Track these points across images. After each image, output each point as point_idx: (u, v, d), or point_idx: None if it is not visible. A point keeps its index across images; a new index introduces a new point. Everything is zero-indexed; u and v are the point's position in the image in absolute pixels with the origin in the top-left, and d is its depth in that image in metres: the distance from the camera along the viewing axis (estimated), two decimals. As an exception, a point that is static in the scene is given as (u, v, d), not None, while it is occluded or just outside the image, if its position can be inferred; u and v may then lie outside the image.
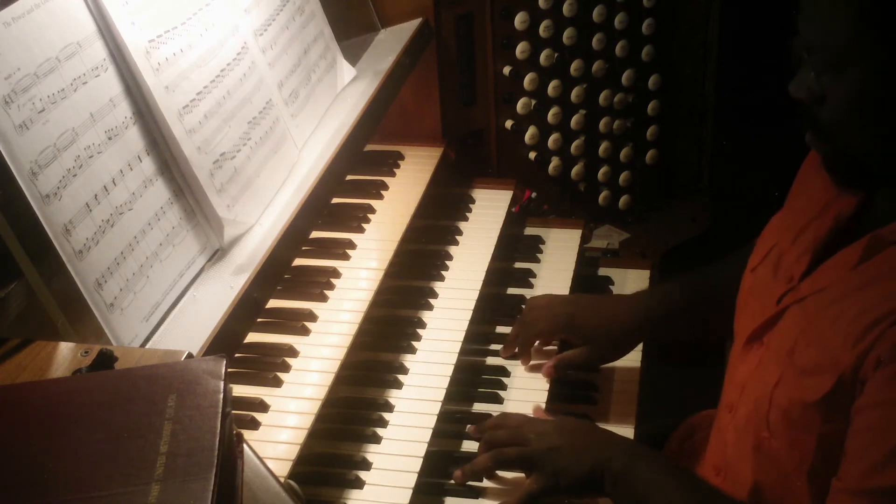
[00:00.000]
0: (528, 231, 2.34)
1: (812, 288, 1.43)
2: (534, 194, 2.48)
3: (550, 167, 2.51)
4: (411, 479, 1.56)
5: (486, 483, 1.64)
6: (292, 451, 1.44)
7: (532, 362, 1.93)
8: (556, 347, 1.95)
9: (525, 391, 1.88)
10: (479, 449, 1.64)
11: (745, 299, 1.63)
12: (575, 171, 2.56)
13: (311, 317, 1.69)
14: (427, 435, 1.64)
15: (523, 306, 2.08)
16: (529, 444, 1.58)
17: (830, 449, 1.32)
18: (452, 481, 1.64)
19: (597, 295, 2.15)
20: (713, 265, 1.92)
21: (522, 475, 1.61)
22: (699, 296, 1.89)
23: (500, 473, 1.64)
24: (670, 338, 2.01)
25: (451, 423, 1.77)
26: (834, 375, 1.31)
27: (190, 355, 1.22)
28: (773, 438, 1.42)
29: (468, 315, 1.91)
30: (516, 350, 1.93)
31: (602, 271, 2.33)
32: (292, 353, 1.61)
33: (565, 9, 2.36)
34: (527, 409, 1.82)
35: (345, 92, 2.08)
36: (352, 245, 1.88)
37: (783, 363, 1.41)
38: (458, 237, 2.15)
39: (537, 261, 2.23)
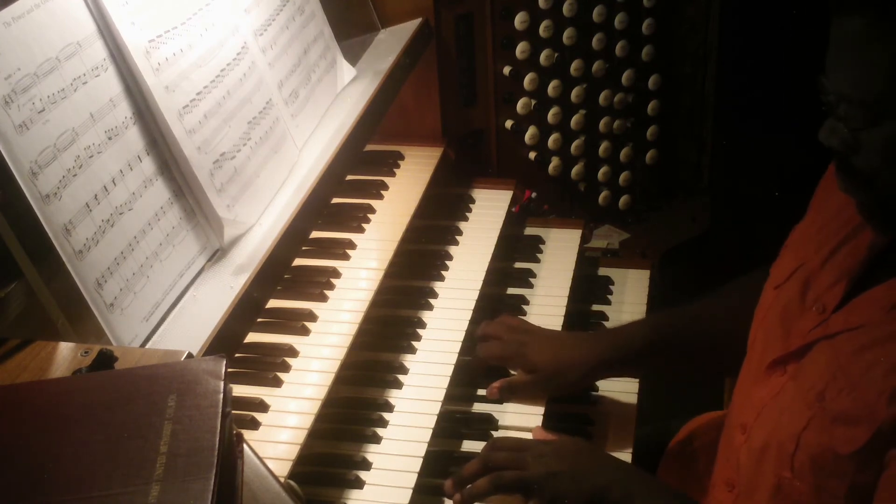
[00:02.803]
0: (528, 231, 2.34)
1: (844, 324, 1.37)
2: (534, 194, 2.48)
3: (550, 167, 2.51)
4: (411, 479, 1.56)
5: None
6: (292, 451, 1.44)
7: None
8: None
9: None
10: (473, 467, 1.59)
11: (766, 317, 1.57)
12: (575, 171, 2.56)
13: (311, 317, 1.69)
14: (427, 435, 1.64)
15: (524, 306, 2.08)
16: (528, 468, 1.56)
17: (864, 497, 1.29)
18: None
19: (560, 331, 2.02)
20: (698, 304, 1.86)
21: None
22: (669, 340, 1.82)
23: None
24: (649, 376, 1.94)
25: (451, 423, 1.77)
26: (870, 429, 1.27)
27: (190, 355, 1.22)
28: (796, 480, 1.38)
29: (468, 315, 1.91)
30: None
31: (602, 271, 2.33)
32: (292, 353, 1.61)
33: (565, 9, 2.36)
34: (527, 410, 1.83)
35: (345, 92, 2.08)
36: (352, 245, 1.88)
37: (812, 406, 1.36)
38: (458, 237, 2.15)
39: (537, 261, 2.23)
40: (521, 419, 1.81)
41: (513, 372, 1.88)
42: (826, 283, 1.45)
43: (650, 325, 1.87)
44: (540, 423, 1.80)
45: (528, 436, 1.76)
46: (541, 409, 1.83)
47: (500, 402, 1.83)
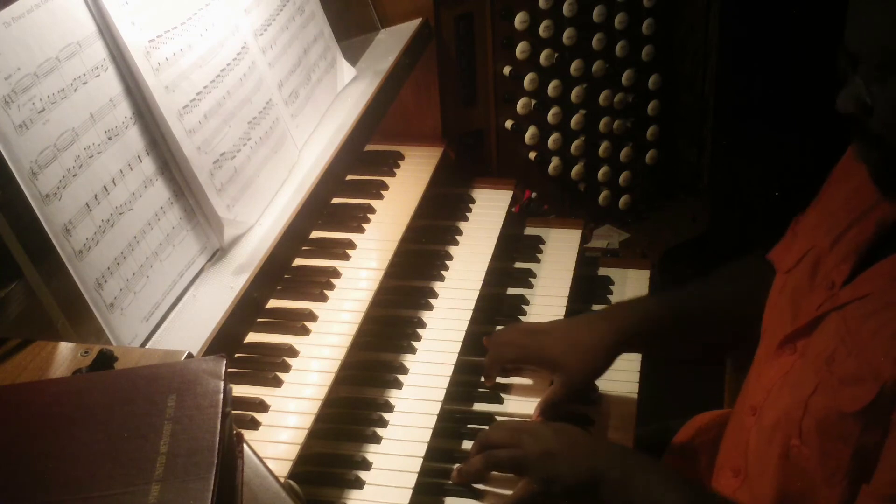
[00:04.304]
0: (528, 231, 2.34)
1: (852, 295, 1.39)
2: (534, 194, 2.48)
3: (550, 167, 2.51)
4: (411, 479, 1.56)
5: (486, 483, 1.64)
6: (292, 451, 1.44)
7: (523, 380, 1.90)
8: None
9: (526, 391, 1.88)
10: (473, 449, 1.63)
11: (776, 301, 1.60)
12: (575, 171, 2.56)
13: (311, 317, 1.69)
14: (427, 435, 1.64)
15: (524, 306, 2.08)
16: (523, 447, 1.56)
17: (867, 460, 1.30)
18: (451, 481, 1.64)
19: (566, 319, 2.02)
20: (699, 282, 1.86)
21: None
22: (680, 315, 1.83)
23: (503, 475, 1.64)
24: (652, 354, 1.94)
25: (451, 423, 1.77)
26: (875, 387, 1.29)
27: (190, 355, 1.22)
28: (804, 446, 1.40)
29: (468, 315, 1.91)
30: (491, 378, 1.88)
31: (602, 271, 2.33)
32: (292, 353, 1.61)
33: (565, 9, 2.36)
34: (527, 410, 1.82)
35: (345, 92, 2.08)
36: (352, 245, 1.88)
37: (820, 371, 1.38)
38: (458, 237, 2.15)
39: (537, 261, 2.23)
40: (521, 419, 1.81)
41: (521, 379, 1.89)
42: (834, 262, 1.47)
43: (659, 300, 1.87)
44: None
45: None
46: (539, 416, 1.82)
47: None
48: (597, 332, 1.82)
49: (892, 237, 1.42)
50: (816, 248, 1.53)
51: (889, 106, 1.29)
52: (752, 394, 1.58)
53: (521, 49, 2.35)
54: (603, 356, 1.82)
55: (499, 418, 1.80)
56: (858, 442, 1.32)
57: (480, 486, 1.64)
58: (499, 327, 2.01)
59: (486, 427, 1.77)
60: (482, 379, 1.88)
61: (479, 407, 1.84)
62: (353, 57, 2.15)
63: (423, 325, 1.89)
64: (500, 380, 1.89)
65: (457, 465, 1.64)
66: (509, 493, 1.61)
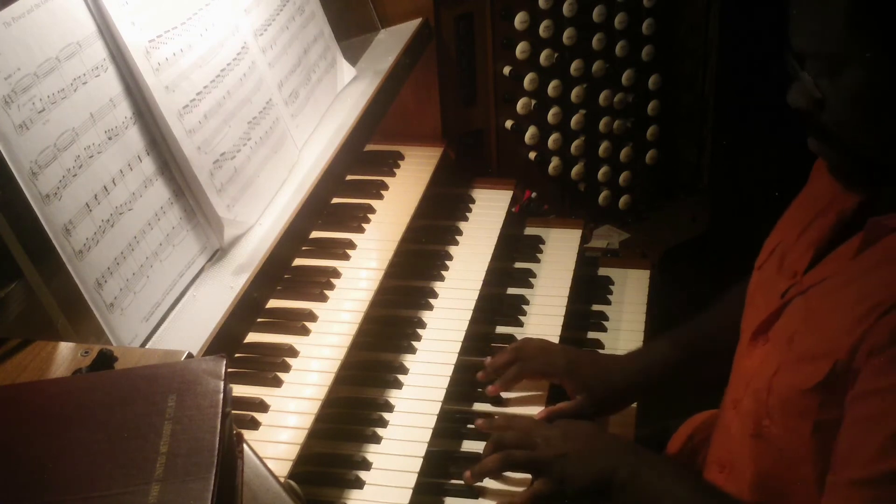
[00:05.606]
0: (528, 231, 2.34)
1: (814, 279, 1.44)
2: (534, 194, 2.48)
3: (550, 167, 2.51)
4: (411, 479, 1.56)
5: (486, 483, 1.64)
6: (292, 451, 1.44)
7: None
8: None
9: (525, 391, 1.88)
10: (486, 449, 1.64)
11: (752, 296, 1.63)
12: (575, 171, 2.56)
13: (311, 317, 1.69)
14: (427, 435, 1.64)
15: (524, 306, 2.08)
16: (537, 448, 1.59)
17: (826, 437, 1.33)
18: (453, 481, 1.64)
19: (597, 352, 2.07)
20: (705, 314, 1.90)
21: (522, 476, 1.62)
22: (695, 351, 1.87)
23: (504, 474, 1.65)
24: (667, 390, 1.98)
25: (451, 423, 1.77)
26: (830, 361, 1.32)
27: (190, 355, 1.22)
28: (773, 426, 1.43)
29: (468, 315, 1.91)
30: (501, 383, 1.86)
31: (602, 271, 2.33)
32: (292, 353, 1.61)
33: (565, 9, 2.36)
34: (526, 411, 1.83)
35: (345, 92, 2.08)
36: (352, 245, 1.88)
37: (783, 351, 1.43)
38: (458, 237, 2.15)
39: (537, 261, 2.23)
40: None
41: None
42: (798, 253, 1.51)
43: (671, 340, 1.90)
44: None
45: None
46: (541, 409, 1.82)
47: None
48: (626, 372, 1.87)
49: (850, 227, 1.45)
50: (784, 241, 1.57)
51: (840, 100, 1.33)
52: (734, 389, 1.61)
53: (521, 49, 2.35)
54: (630, 395, 1.89)
55: (498, 418, 1.80)
56: (817, 417, 1.35)
57: (480, 485, 1.64)
58: (499, 328, 2.01)
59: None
60: (488, 391, 1.85)
61: (479, 407, 1.84)
62: (353, 57, 2.15)
63: (423, 325, 1.89)
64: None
65: (467, 472, 1.63)
66: (510, 490, 1.62)
